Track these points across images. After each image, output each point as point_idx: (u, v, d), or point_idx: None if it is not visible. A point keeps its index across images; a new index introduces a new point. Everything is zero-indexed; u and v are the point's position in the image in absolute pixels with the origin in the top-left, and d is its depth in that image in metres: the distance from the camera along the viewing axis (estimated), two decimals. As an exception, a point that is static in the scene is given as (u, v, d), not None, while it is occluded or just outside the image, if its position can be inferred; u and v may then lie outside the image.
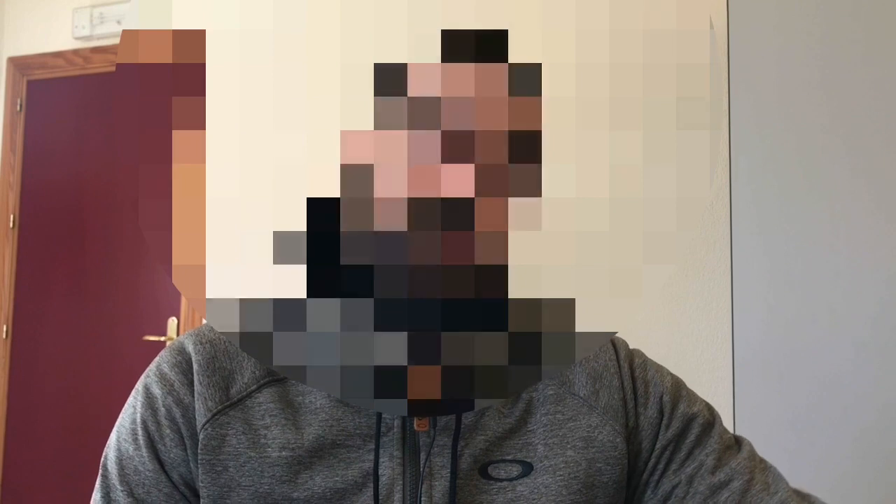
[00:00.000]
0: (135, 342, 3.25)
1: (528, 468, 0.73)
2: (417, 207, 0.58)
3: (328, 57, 0.58)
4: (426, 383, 0.59)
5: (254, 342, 0.61)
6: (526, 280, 0.59)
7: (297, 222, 0.59)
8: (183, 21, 0.60)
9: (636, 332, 0.86)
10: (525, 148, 0.59)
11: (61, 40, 3.47)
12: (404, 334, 0.59)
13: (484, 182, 0.58)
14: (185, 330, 3.18)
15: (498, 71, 0.58)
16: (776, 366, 1.69)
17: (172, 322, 3.22)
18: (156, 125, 0.61)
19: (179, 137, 0.60)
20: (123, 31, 0.61)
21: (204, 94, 0.60)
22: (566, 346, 0.61)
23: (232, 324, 0.60)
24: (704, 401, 0.81)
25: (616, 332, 0.62)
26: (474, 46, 0.58)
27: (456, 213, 0.58)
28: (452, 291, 0.58)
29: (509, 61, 0.59)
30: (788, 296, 1.69)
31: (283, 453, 0.71)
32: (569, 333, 0.60)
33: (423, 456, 0.72)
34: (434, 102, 0.58)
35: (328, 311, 0.59)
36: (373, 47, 0.58)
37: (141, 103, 0.62)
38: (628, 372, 0.78)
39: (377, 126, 0.58)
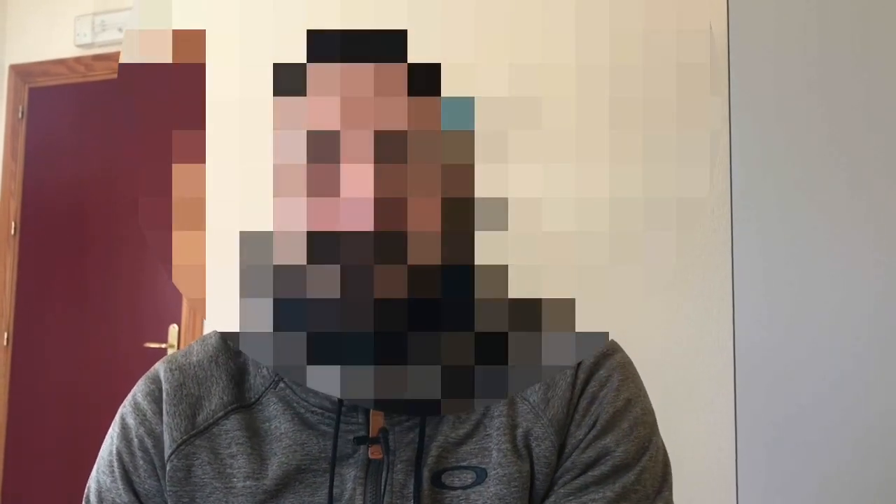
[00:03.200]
0: (136, 349, 3.25)
1: (482, 475, 0.70)
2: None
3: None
4: (392, 386, 0.60)
5: (255, 343, 0.61)
6: (526, 280, 0.59)
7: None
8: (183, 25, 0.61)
9: (636, 338, 0.84)
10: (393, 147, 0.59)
11: (63, 48, 3.48)
12: (370, 334, 0.59)
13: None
14: (185, 337, 3.18)
15: (397, 70, 0.58)
16: (778, 371, 1.69)
17: (173, 329, 3.22)
18: (158, 128, 0.61)
19: (180, 139, 0.60)
20: (126, 30, 0.61)
21: (204, 96, 0.60)
22: (564, 345, 0.61)
23: (230, 324, 0.60)
24: (647, 440, 0.72)
25: (610, 332, 0.62)
26: (373, 47, 0.58)
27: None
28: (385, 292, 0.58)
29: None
30: (790, 301, 1.69)
31: (248, 483, 0.71)
32: (568, 334, 0.60)
33: (383, 474, 0.70)
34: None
35: (294, 312, 0.60)
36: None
37: (143, 105, 0.62)
38: (582, 384, 0.72)
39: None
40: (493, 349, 0.60)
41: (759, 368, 1.70)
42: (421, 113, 0.58)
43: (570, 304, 0.60)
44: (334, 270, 0.58)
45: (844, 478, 1.62)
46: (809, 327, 1.67)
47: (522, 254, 0.59)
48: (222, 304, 0.60)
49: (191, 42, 0.60)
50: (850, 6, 1.67)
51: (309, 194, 0.58)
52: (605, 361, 0.73)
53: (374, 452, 0.70)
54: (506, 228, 0.59)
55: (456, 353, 0.60)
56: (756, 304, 1.71)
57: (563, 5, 0.58)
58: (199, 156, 0.59)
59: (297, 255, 0.58)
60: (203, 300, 0.59)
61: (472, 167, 0.59)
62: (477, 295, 0.59)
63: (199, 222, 0.59)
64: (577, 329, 0.60)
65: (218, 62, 0.59)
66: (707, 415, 2.15)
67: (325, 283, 0.58)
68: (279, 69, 0.59)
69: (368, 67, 0.58)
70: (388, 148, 0.58)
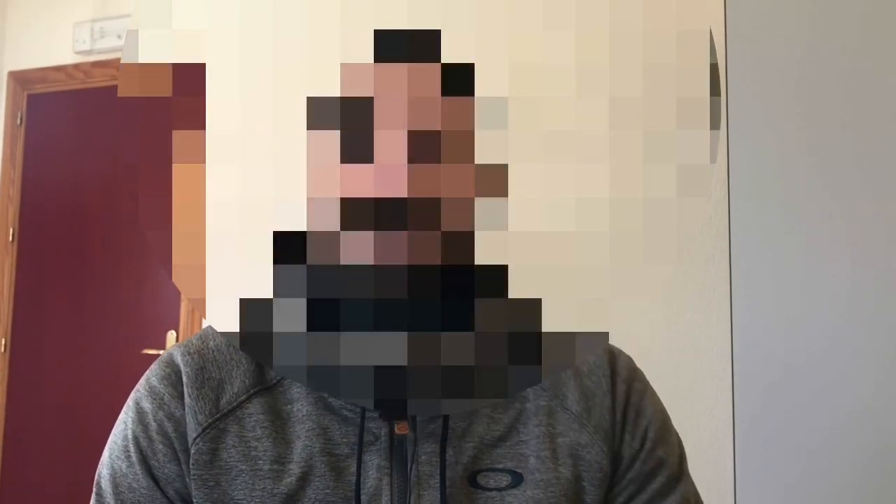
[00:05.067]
0: (134, 355, 3.24)
1: (518, 479, 0.71)
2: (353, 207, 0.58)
3: (330, 56, 0.58)
4: (398, 383, 0.59)
5: (244, 342, 0.61)
6: (525, 280, 0.59)
7: (298, 223, 0.59)
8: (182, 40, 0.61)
9: (636, 343, 0.84)
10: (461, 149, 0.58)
11: (62, 54, 3.48)
12: (377, 335, 0.59)
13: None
14: (184, 343, 3.18)
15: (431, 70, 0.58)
16: (776, 375, 1.69)
17: (171, 335, 3.22)
18: (158, 130, 0.61)
19: (179, 139, 0.60)
20: (127, 32, 0.61)
21: (204, 96, 0.60)
22: (565, 347, 0.61)
23: (230, 324, 0.60)
24: (680, 447, 0.79)
25: (610, 332, 0.62)
26: (407, 46, 0.58)
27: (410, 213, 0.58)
28: (420, 292, 0.58)
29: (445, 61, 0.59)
30: (788, 306, 1.69)
31: (274, 466, 0.70)
32: (568, 334, 0.60)
33: (410, 465, 0.70)
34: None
35: (305, 310, 0.59)
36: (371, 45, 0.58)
37: (144, 108, 0.62)
38: (624, 395, 0.76)
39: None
40: (494, 349, 0.60)
41: (758, 373, 1.70)
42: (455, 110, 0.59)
43: (569, 304, 0.60)
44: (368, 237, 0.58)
45: (843, 482, 1.62)
46: (808, 332, 1.67)
47: (522, 254, 0.59)
48: (222, 305, 0.60)
49: (191, 44, 0.60)
50: (848, 7, 1.68)
51: (343, 161, 0.58)
52: (635, 374, 0.79)
53: (401, 428, 0.70)
54: (506, 228, 0.59)
55: (458, 354, 0.59)
56: (754, 309, 1.71)
57: (563, 5, 0.59)
58: (198, 156, 0.59)
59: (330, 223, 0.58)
60: (203, 300, 0.59)
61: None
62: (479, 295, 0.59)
63: (199, 222, 0.59)
64: (577, 329, 0.60)
65: (218, 62, 0.59)
66: (706, 419, 2.15)
67: (359, 250, 0.58)
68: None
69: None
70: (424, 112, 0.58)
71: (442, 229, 0.58)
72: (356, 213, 0.58)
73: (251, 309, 0.60)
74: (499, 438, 0.72)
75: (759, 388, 1.70)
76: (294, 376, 0.64)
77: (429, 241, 0.58)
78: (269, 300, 0.59)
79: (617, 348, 0.80)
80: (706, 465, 2.10)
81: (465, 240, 0.59)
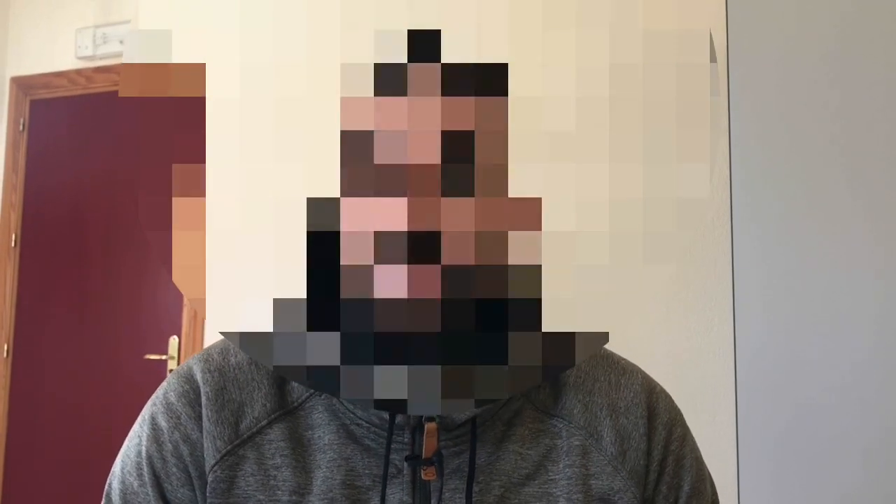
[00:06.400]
0: (136, 361, 3.24)
1: None
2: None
3: (329, 61, 0.58)
4: (427, 385, 0.59)
5: (256, 343, 0.60)
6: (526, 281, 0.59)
7: (298, 223, 0.59)
8: (183, 44, 0.61)
9: (637, 347, 0.84)
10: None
11: (64, 60, 3.50)
12: (402, 337, 0.58)
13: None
14: (186, 348, 3.18)
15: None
16: (779, 380, 1.69)
17: (174, 341, 3.22)
18: (159, 132, 0.61)
19: (180, 140, 0.60)
20: (128, 34, 0.62)
21: (204, 97, 0.60)
22: (565, 346, 0.60)
23: (230, 325, 0.60)
24: (713, 494, 0.78)
25: (611, 337, 0.61)
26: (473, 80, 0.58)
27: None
28: (450, 293, 0.57)
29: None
30: (790, 310, 1.69)
31: (294, 498, 0.68)
32: (568, 333, 0.60)
33: (433, 501, 0.68)
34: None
35: (329, 314, 0.59)
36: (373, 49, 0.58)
37: (145, 113, 0.62)
38: (663, 441, 0.74)
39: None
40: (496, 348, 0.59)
41: (761, 378, 1.70)
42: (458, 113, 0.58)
43: (569, 303, 0.60)
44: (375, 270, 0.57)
45: (846, 487, 1.61)
46: (811, 335, 1.66)
47: (522, 254, 0.59)
48: (222, 305, 0.60)
49: (191, 45, 0.60)
50: (849, 6, 1.68)
51: (376, 194, 0.57)
52: (676, 417, 0.76)
53: (428, 474, 0.68)
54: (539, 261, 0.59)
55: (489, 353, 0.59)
56: (757, 313, 1.71)
57: (563, 6, 0.59)
58: (199, 157, 0.59)
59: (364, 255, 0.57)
60: (203, 300, 0.59)
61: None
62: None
63: (199, 222, 0.59)
64: (578, 329, 0.60)
65: (218, 63, 0.60)
66: (708, 426, 2.14)
67: (361, 283, 0.57)
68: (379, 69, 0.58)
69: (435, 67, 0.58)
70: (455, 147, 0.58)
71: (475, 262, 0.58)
72: (389, 246, 0.57)
73: (284, 340, 0.59)
74: (527, 476, 0.70)
75: (762, 394, 1.69)
76: (325, 390, 0.63)
77: (463, 273, 0.57)
78: (303, 334, 0.59)
79: (658, 385, 0.78)
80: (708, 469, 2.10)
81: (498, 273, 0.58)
